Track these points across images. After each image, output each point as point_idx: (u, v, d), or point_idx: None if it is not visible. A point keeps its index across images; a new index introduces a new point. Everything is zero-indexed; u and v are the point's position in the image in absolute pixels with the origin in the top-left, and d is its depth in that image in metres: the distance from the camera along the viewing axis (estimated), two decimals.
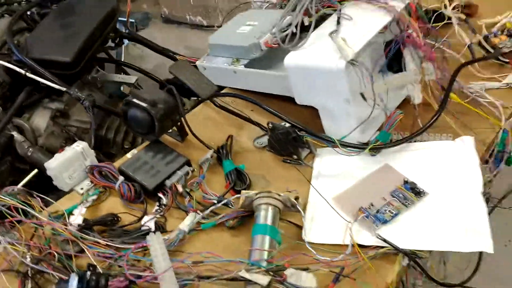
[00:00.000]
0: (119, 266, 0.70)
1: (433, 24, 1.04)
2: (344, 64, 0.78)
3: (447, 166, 0.83)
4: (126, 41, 1.75)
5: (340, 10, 0.88)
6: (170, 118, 0.89)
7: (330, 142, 0.84)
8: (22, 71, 1.25)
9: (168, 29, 2.30)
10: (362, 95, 0.82)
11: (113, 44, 1.67)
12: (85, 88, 1.45)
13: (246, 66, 1.01)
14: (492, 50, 1.05)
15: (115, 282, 0.66)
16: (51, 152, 1.20)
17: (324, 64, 0.81)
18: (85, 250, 0.72)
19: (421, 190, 0.79)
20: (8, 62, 1.27)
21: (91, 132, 1.19)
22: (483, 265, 0.95)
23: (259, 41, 0.99)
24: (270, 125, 0.89)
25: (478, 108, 0.93)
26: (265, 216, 0.72)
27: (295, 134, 0.86)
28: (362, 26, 0.85)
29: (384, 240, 0.71)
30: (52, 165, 0.85)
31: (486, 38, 1.07)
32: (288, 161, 0.90)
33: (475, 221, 0.72)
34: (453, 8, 1.10)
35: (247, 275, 0.64)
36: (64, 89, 1.23)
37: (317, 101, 0.88)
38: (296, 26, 0.88)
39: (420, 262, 0.72)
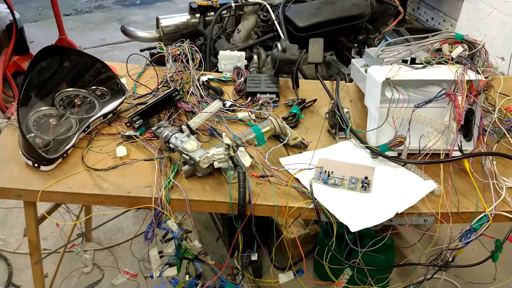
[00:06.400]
0: None
1: None
2: (382, 80, 1.06)
3: (404, 189, 1.02)
4: None
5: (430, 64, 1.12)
6: (288, 65, 1.34)
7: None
8: (273, 17, 1.89)
9: None
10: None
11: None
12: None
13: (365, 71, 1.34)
14: None
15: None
16: None
17: (375, 75, 1.10)
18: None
19: (367, 187, 1.01)
20: (272, 8, 1.92)
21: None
22: None
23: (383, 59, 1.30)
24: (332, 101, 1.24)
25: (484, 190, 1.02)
26: (263, 125, 1.12)
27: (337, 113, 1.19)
28: (428, 72, 1.08)
29: (304, 186, 1.02)
30: (223, 53, 1.44)
31: None
32: (329, 131, 1.23)
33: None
34: None
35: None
36: (282, 38, 1.81)
37: (366, 101, 1.19)
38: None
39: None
